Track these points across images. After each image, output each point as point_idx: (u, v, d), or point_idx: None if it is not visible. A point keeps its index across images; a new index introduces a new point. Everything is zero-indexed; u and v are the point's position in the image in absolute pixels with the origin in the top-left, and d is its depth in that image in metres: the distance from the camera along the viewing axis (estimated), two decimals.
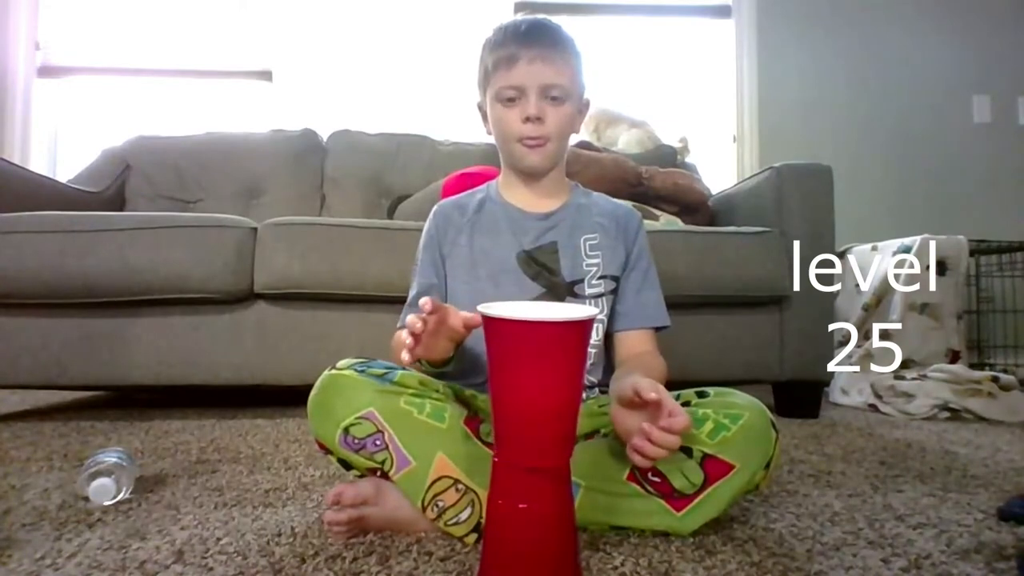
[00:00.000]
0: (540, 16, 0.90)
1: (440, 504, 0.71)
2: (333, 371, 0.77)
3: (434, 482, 0.72)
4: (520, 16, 0.91)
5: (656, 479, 0.72)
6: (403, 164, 2.20)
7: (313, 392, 0.76)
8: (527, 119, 0.86)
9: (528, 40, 0.86)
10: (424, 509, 0.71)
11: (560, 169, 0.95)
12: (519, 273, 0.90)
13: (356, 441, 0.73)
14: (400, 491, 0.72)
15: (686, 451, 0.71)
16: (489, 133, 0.94)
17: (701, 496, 0.71)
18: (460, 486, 0.72)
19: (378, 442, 0.73)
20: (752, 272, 1.56)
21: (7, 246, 1.42)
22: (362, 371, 0.77)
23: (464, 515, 0.71)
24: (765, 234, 1.59)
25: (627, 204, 1.09)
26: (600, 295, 0.91)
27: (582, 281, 0.90)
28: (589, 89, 0.94)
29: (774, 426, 0.74)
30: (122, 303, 1.45)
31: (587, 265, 0.91)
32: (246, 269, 1.48)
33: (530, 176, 0.93)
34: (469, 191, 1.02)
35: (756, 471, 0.72)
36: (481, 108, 0.94)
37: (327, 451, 0.76)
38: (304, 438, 1.26)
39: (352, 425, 0.73)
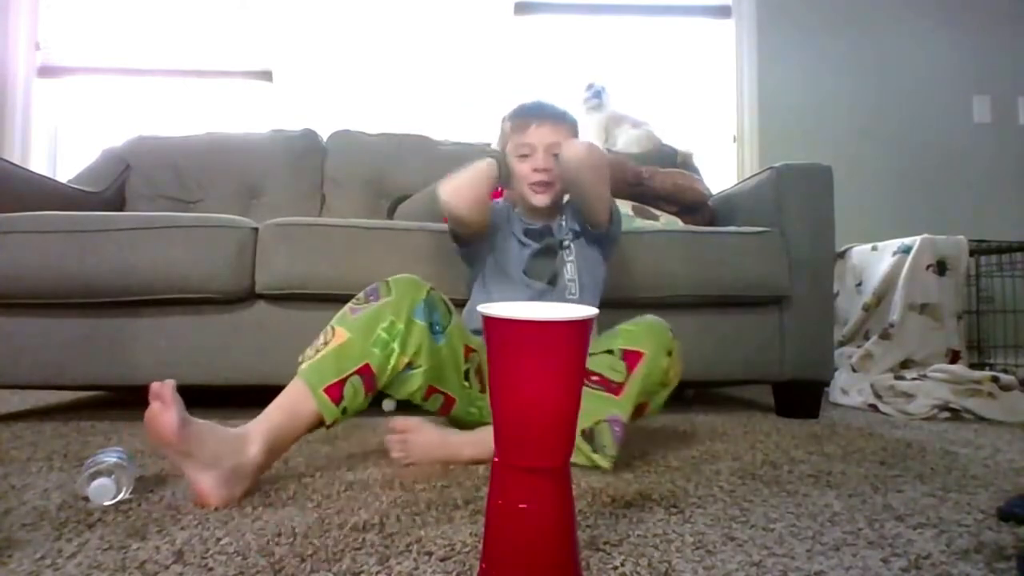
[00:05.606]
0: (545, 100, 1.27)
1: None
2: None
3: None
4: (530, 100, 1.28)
5: (595, 378, 0.99)
6: (403, 164, 2.19)
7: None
8: (535, 170, 1.20)
9: (537, 112, 1.22)
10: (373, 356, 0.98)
11: (557, 204, 1.29)
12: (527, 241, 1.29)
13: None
14: (434, 427, 1.06)
15: (610, 352, 1.01)
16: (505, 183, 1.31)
17: (629, 380, 0.99)
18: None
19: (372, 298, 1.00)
20: (752, 272, 1.56)
21: (7, 246, 1.42)
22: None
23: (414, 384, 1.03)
24: (765, 234, 1.59)
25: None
26: (568, 239, 1.30)
27: (562, 240, 1.29)
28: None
29: (668, 329, 1.05)
30: (122, 303, 1.45)
31: (561, 234, 1.30)
32: (247, 269, 1.48)
33: (536, 210, 1.26)
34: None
35: (659, 355, 1.01)
36: None
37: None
38: (303, 438, 1.26)
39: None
